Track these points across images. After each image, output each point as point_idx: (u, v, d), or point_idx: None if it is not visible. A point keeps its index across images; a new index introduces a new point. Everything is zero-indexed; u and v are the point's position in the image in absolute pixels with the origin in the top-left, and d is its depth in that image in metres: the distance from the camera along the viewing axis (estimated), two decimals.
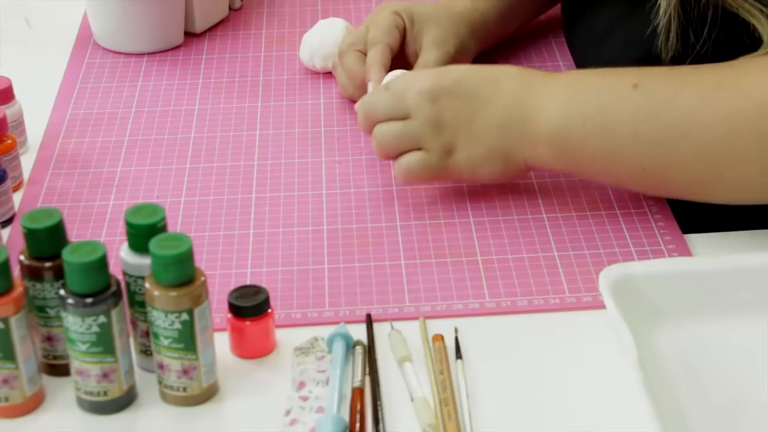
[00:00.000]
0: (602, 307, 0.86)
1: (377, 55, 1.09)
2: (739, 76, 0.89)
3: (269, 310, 0.85)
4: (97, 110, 1.17)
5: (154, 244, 0.77)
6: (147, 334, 0.83)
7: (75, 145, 1.12)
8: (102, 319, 0.78)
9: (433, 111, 0.97)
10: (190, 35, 1.30)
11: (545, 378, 0.83)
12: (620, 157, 0.93)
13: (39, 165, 1.09)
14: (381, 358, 0.85)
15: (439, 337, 0.86)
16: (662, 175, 0.93)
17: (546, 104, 0.95)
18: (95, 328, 0.78)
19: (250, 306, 0.84)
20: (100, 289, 0.78)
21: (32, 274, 0.81)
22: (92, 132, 1.14)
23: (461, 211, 1.00)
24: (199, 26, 1.30)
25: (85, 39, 1.31)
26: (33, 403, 0.82)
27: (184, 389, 0.81)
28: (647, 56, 0.98)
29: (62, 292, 0.78)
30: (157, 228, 0.80)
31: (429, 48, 1.12)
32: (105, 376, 0.80)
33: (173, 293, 0.78)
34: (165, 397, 0.82)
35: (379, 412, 0.80)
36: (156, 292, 0.78)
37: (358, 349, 0.85)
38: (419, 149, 0.98)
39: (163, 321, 0.79)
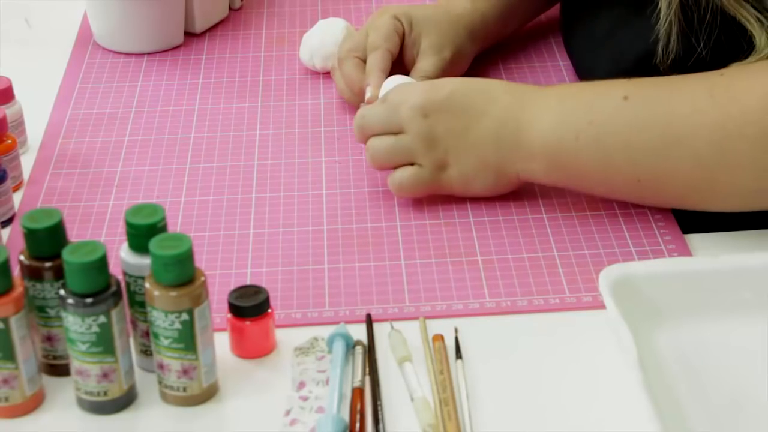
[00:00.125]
0: (602, 307, 0.86)
1: (377, 60, 1.10)
2: (731, 83, 0.90)
3: (269, 310, 0.85)
4: (97, 110, 1.17)
5: (154, 244, 0.77)
6: (147, 334, 0.83)
7: (75, 145, 1.12)
8: (102, 319, 0.78)
9: (426, 126, 0.98)
10: (190, 35, 1.30)
11: (545, 378, 0.83)
12: (614, 168, 0.94)
13: (39, 165, 1.09)
14: (381, 358, 0.85)
15: (439, 337, 0.86)
16: (657, 185, 0.93)
17: (538, 118, 0.95)
18: (95, 328, 0.78)
19: (250, 306, 0.84)
20: (100, 289, 0.78)
21: (32, 274, 0.81)
22: (92, 132, 1.14)
23: (461, 211, 1.00)
24: (199, 26, 1.30)
25: (85, 39, 1.31)
26: (33, 403, 0.82)
27: (184, 389, 0.81)
28: (647, 60, 0.98)
29: (62, 292, 0.78)
30: (157, 228, 0.80)
31: (426, 54, 1.12)
32: (105, 376, 0.80)
33: (173, 293, 0.78)
34: (165, 397, 0.82)
35: (379, 412, 0.80)
36: (156, 292, 0.78)
37: (358, 349, 0.85)
38: (412, 164, 0.99)
39: (163, 321, 0.79)
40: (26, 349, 0.80)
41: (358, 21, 1.31)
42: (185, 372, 0.80)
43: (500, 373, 0.84)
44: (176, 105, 1.18)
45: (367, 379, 0.83)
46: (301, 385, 0.83)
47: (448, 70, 1.12)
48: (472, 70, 1.17)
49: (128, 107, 1.18)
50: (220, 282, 0.93)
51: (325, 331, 0.86)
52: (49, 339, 0.83)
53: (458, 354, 0.85)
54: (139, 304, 0.82)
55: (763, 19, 0.92)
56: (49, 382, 0.84)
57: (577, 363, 0.84)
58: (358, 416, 0.79)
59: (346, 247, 0.97)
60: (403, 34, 1.13)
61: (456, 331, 0.87)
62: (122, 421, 0.81)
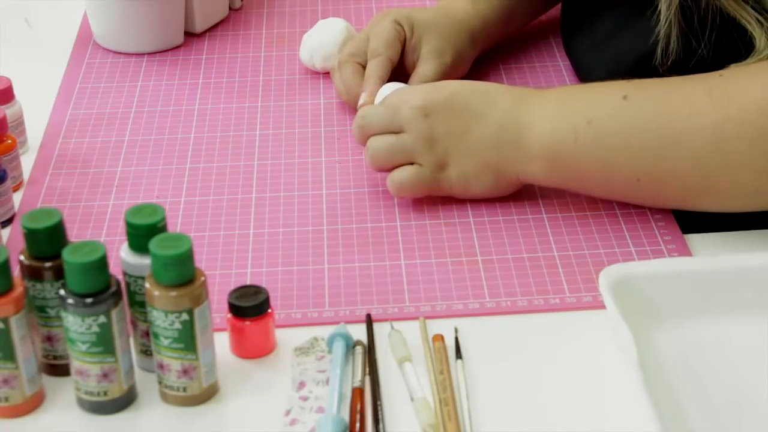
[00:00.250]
0: (602, 307, 0.86)
1: (377, 68, 1.10)
2: (729, 83, 0.90)
3: (269, 310, 0.85)
4: (97, 110, 1.17)
5: (154, 244, 0.77)
6: (147, 334, 0.83)
7: (75, 145, 1.12)
8: (102, 319, 0.78)
9: (426, 126, 0.98)
10: (190, 35, 1.30)
11: (545, 378, 0.83)
12: (614, 169, 0.94)
13: (39, 165, 1.09)
14: (381, 358, 0.85)
15: (439, 337, 0.86)
16: (657, 186, 0.93)
17: (538, 119, 0.95)
18: (95, 328, 0.78)
19: (250, 306, 0.84)
20: (100, 289, 0.78)
21: (32, 274, 0.81)
22: (92, 132, 1.14)
23: (461, 211, 1.00)
24: (199, 26, 1.30)
25: (85, 39, 1.31)
26: (33, 403, 0.82)
27: (184, 389, 0.81)
28: (647, 61, 0.98)
29: (62, 292, 0.78)
30: (157, 228, 0.80)
31: (426, 59, 1.12)
32: (105, 376, 0.80)
33: (173, 293, 0.78)
34: (165, 397, 0.82)
35: (379, 412, 0.80)
36: (156, 292, 0.78)
37: (358, 349, 0.85)
38: (411, 164, 0.99)
39: (163, 321, 0.79)
40: (26, 349, 0.80)
41: (358, 21, 1.31)
42: (185, 372, 0.80)
43: (500, 373, 0.84)
44: (176, 105, 1.18)
45: (367, 379, 0.83)
46: (301, 385, 0.83)
47: (448, 74, 1.12)
48: (471, 70, 1.17)
49: (128, 107, 1.18)
50: (220, 282, 0.93)
51: (325, 331, 0.86)
52: (49, 339, 0.83)
53: (458, 354, 0.85)
54: (139, 304, 0.82)
55: (763, 20, 0.92)
56: (49, 382, 0.84)
57: (577, 363, 0.84)
58: (358, 416, 0.79)
59: (346, 247, 0.97)
60: (405, 40, 1.13)
61: (456, 331, 0.87)
62: (122, 421, 0.81)
